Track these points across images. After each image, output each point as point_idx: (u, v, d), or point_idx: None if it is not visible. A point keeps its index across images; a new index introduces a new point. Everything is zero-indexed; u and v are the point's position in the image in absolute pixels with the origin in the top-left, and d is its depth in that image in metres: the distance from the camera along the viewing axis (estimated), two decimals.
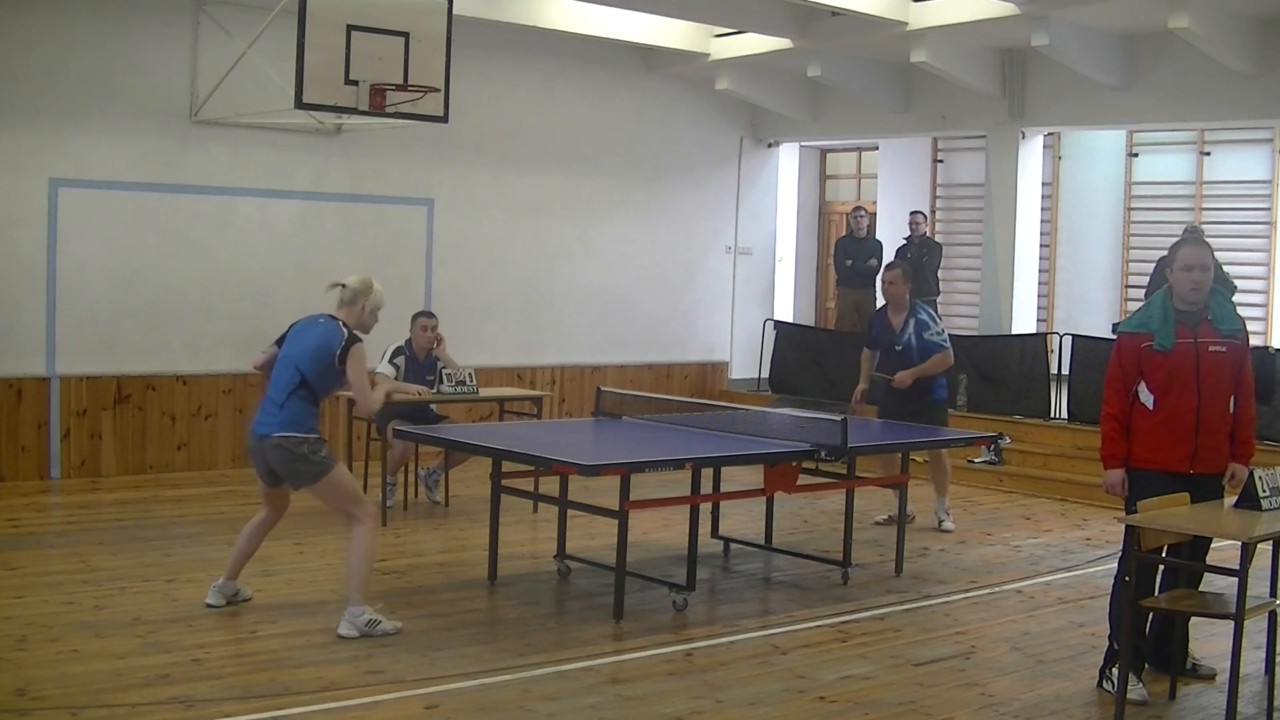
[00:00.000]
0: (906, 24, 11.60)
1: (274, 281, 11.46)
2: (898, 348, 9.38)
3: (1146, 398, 5.88)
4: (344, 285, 6.58)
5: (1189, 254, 5.89)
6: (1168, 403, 5.86)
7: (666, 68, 13.91)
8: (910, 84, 13.76)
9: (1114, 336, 6.20)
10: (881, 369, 9.49)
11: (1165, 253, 6.27)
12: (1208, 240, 7.42)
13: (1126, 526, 5.54)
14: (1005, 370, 12.43)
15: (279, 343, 6.65)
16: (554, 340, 13.49)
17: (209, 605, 6.80)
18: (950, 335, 9.74)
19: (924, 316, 9.38)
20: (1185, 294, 5.89)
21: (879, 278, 9.89)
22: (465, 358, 10.72)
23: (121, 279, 10.86)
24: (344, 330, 6.45)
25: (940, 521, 9.67)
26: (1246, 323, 6.20)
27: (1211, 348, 5.90)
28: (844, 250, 14.24)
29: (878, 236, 14.68)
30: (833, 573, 8.04)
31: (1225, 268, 11.26)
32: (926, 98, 13.70)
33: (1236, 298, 11.24)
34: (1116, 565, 6.26)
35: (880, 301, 14.32)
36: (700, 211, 14.66)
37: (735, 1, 12.07)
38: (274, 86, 10.14)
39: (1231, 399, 5.97)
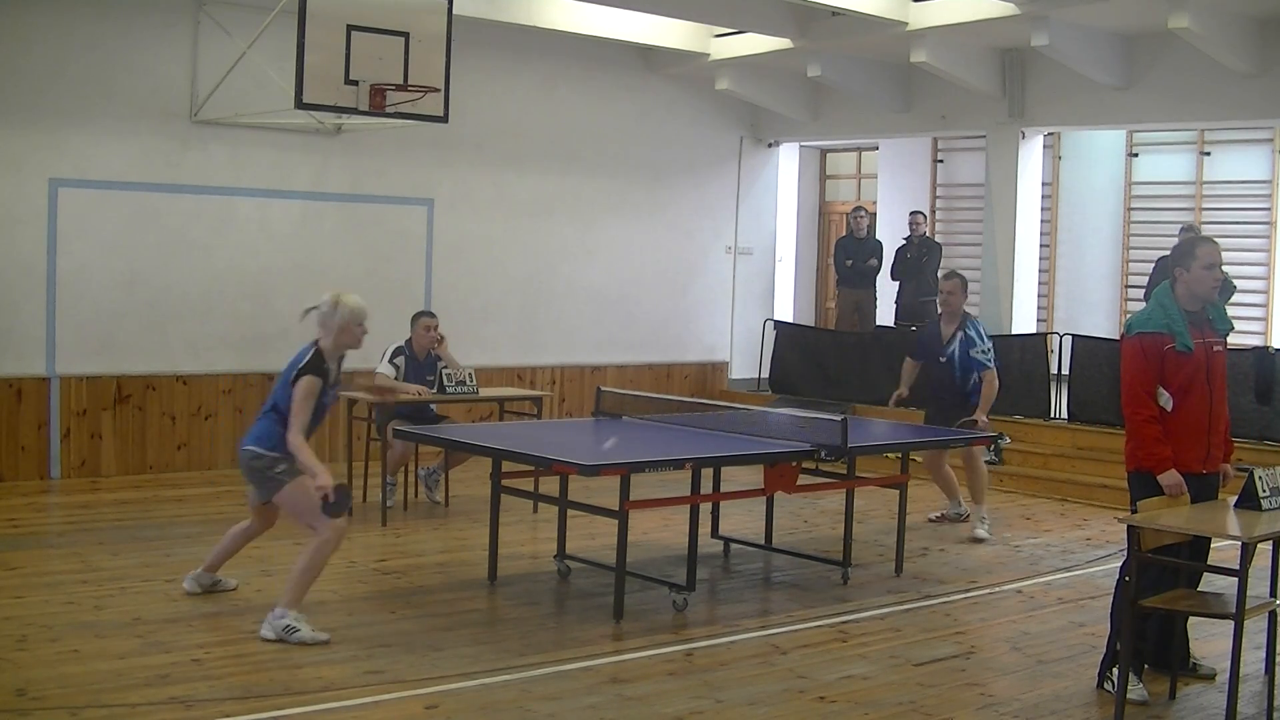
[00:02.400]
0: (906, 24, 11.61)
1: (274, 281, 11.46)
2: (942, 359, 9.34)
3: (1166, 400, 5.82)
4: (315, 308, 6.52)
5: (1211, 251, 5.84)
6: (1185, 405, 5.82)
7: (666, 68, 13.90)
8: (910, 84, 13.76)
9: (1119, 338, 6.16)
10: (929, 382, 9.45)
11: (1166, 252, 6.24)
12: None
13: (1129, 526, 5.54)
14: (1005, 370, 12.31)
15: None
16: (554, 340, 13.48)
17: (186, 591, 6.99)
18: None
19: (973, 333, 9.30)
20: (1205, 293, 5.85)
21: (938, 287, 9.95)
22: (465, 358, 10.71)
23: (121, 279, 10.86)
24: (307, 357, 6.39)
25: (975, 528, 9.37)
26: (1248, 323, 6.20)
27: (1215, 347, 5.92)
28: (844, 250, 14.26)
29: (878, 236, 14.69)
30: (833, 573, 8.04)
31: (1225, 268, 11.24)
32: (926, 98, 13.70)
33: (1236, 298, 11.25)
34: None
35: (880, 302, 14.47)
36: (700, 211, 14.65)
37: (735, 1, 12.07)
38: (274, 86, 10.14)
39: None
